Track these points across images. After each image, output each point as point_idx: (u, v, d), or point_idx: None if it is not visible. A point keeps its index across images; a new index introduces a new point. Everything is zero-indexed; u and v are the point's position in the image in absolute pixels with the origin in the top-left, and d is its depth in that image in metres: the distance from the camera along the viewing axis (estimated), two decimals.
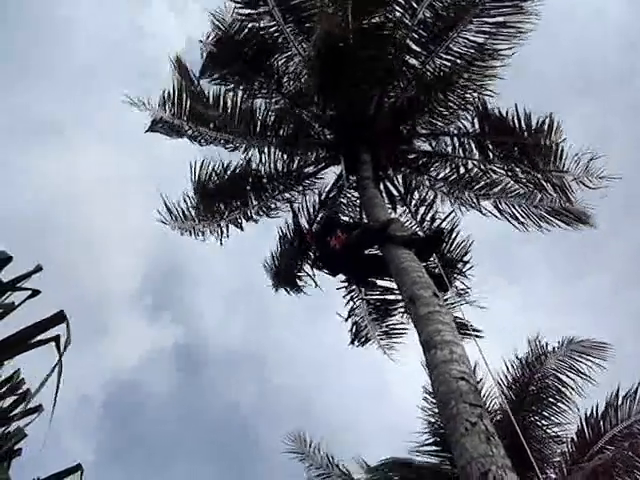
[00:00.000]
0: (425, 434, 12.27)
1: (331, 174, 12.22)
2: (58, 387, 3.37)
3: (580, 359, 11.51)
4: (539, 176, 10.91)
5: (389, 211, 11.45)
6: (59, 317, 3.83)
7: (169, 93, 11.76)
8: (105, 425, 28.38)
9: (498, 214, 11.70)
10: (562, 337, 11.94)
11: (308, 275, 12.09)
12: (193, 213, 11.84)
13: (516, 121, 10.80)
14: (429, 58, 11.53)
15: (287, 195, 12.22)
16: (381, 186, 11.97)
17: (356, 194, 12.09)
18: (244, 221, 12.05)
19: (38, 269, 3.87)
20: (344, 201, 12.52)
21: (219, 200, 11.82)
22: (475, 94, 11.64)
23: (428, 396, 12.49)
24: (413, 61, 11.66)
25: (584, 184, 10.71)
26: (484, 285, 11.81)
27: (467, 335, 10.99)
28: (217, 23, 11.67)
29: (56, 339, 3.58)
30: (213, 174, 11.83)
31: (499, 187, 11.60)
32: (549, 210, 11.35)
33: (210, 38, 11.63)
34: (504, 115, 10.91)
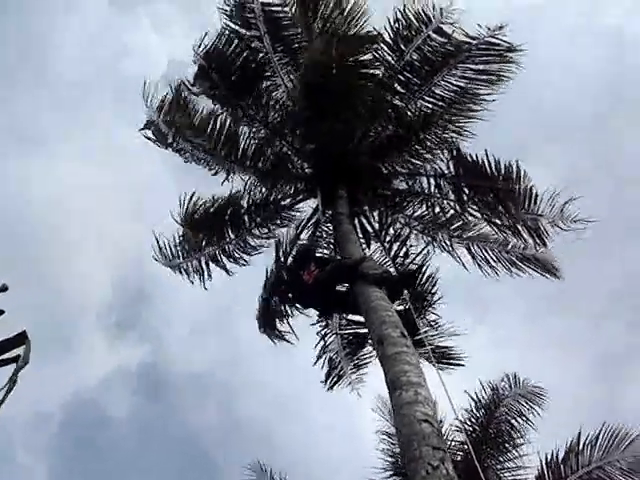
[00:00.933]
0: (388, 471, 12.36)
1: (308, 208, 12.36)
2: (2, 401, 3.41)
3: (525, 404, 11.67)
4: (514, 220, 11.08)
5: (363, 247, 11.58)
6: (21, 337, 3.85)
7: (164, 99, 12.03)
8: (62, 445, 27.94)
9: (470, 257, 11.84)
10: (508, 376, 12.09)
11: (285, 317, 12.09)
12: (179, 249, 11.94)
13: (487, 166, 11.02)
14: (412, 99, 11.75)
15: (264, 229, 12.25)
16: (356, 221, 12.08)
17: (331, 228, 12.21)
18: (223, 258, 12.09)
19: (3, 289, 3.89)
20: (320, 234, 12.61)
21: (200, 232, 11.86)
22: (453, 135, 11.87)
23: (387, 437, 12.61)
24: (396, 101, 11.87)
25: (559, 227, 10.91)
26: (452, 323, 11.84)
27: (449, 364, 11.20)
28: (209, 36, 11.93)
29: (16, 359, 3.60)
30: (197, 207, 11.90)
31: (472, 231, 11.79)
32: (520, 257, 11.54)
33: (201, 49, 11.81)
34: (476, 159, 11.13)
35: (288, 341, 12.30)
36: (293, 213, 12.48)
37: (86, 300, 28.68)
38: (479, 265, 11.92)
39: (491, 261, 11.79)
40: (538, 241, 11.13)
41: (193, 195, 11.90)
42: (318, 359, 12.19)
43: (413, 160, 12.05)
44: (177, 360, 28.19)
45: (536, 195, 10.90)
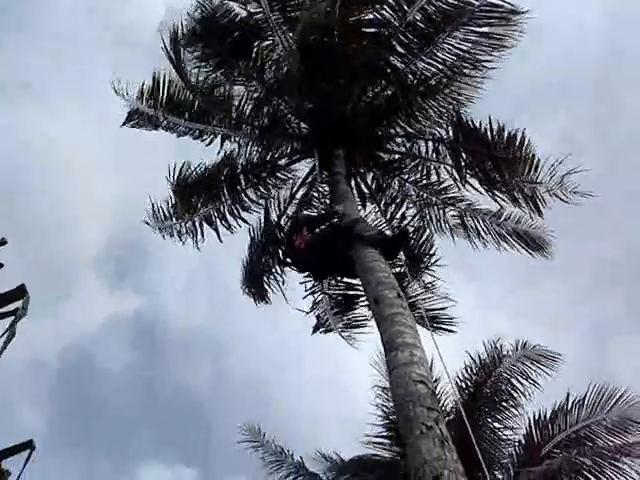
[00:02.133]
0: (379, 427, 12.50)
1: (303, 170, 12.32)
2: (1, 351, 3.43)
3: (531, 366, 11.77)
4: (511, 187, 11.02)
5: (358, 208, 11.56)
6: (20, 291, 3.88)
7: (147, 86, 11.85)
8: (59, 394, 28.17)
9: (462, 227, 11.81)
10: (516, 340, 12.19)
11: (275, 277, 12.08)
12: (171, 212, 11.84)
13: (489, 133, 10.90)
14: (412, 61, 11.60)
15: (260, 189, 12.16)
16: (352, 183, 12.02)
17: (327, 189, 12.17)
18: (218, 221, 12.01)
19: (2, 243, 3.90)
20: (315, 195, 12.57)
21: (194, 195, 11.76)
22: (453, 101, 11.75)
23: (382, 392, 12.70)
24: (396, 62, 11.71)
25: (557, 197, 10.86)
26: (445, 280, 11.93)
27: (440, 328, 11.26)
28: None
29: (15, 312, 3.62)
30: (191, 171, 11.84)
31: (466, 201, 11.77)
32: (511, 231, 11.54)
33: (195, 12, 11.56)
34: (477, 126, 11.00)
35: (269, 302, 12.36)
36: (289, 174, 12.40)
37: (83, 251, 28.60)
38: (469, 236, 11.93)
39: (482, 232, 11.77)
40: (534, 209, 11.09)
41: (184, 164, 11.82)
42: (307, 313, 12.32)
43: (412, 124, 11.92)
44: (171, 313, 28.22)
45: (537, 163, 10.81)
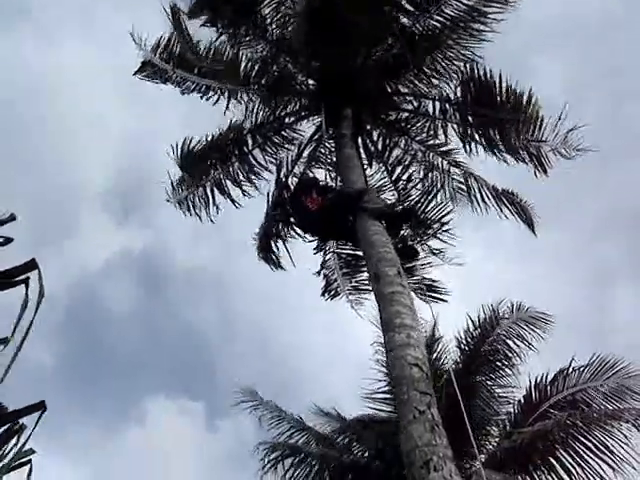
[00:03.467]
0: (379, 382, 12.88)
1: (310, 130, 12.43)
2: (28, 331, 3.57)
3: (526, 328, 12.10)
4: (516, 148, 11.13)
5: (365, 168, 11.73)
6: (31, 265, 3.96)
7: (164, 39, 11.88)
8: (67, 328, 28.74)
9: (465, 189, 12.00)
10: (512, 303, 12.48)
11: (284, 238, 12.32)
12: (181, 184, 12.02)
13: (497, 91, 10.92)
14: (420, 18, 11.55)
15: (267, 150, 12.29)
16: (359, 141, 12.13)
17: (334, 149, 12.31)
18: (229, 184, 12.18)
19: (11, 219, 3.99)
20: (322, 151, 12.70)
21: (203, 163, 11.90)
22: (460, 57, 11.74)
23: (382, 348, 12.99)
24: (404, 19, 11.66)
25: (561, 155, 10.95)
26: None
27: (434, 298, 11.58)
28: None
29: (25, 281, 3.74)
30: (196, 143, 11.97)
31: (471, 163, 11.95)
32: (508, 202, 11.71)
33: None
34: (487, 80, 10.99)
35: (283, 268, 12.65)
36: (295, 134, 12.51)
37: (87, 186, 28.59)
38: (471, 199, 12.10)
39: (484, 196, 11.94)
40: (539, 168, 11.19)
41: (187, 139, 11.93)
42: (317, 273, 12.57)
43: (419, 81, 11.95)
44: (178, 250, 28.41)
45: (542, 122, 10.85)
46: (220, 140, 12.00)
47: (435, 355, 12.51)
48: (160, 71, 11.94)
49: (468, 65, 11.51)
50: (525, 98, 10.82)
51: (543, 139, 11.17)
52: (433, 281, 11.74)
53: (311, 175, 11.83)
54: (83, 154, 27.63)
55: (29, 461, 3.43)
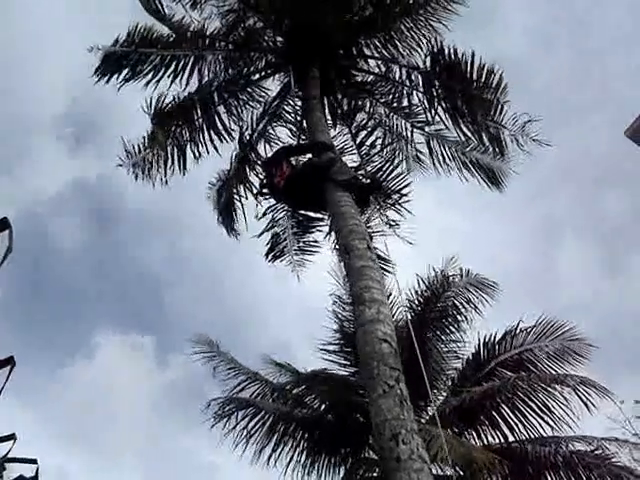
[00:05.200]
0: (334, 334, 13.38)
1: (275, 90, 12.57)
2: None
3: (474, 293, 12.74)
4: (478, 125, 11.46)
5: (330, 131, 11.92)
6: (2, 223, 4.12)
7: (122, 36, 11.78)
8: (15, 261, 28.26)
9: (427, 151, 12.36)
10: (460, 269, 13.09)
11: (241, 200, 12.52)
12: (145, 144, 11.89)
13: (467, 68, 11.19)
14: None
15: (232, 109, 12.34)
16: (325, 101, 12.30)
17: (299, 104, 12.49)
18: (189, 144, 12.19)
19: None
20: (287, 109, 12.85)
21: (171, 122, 11.88)
22: (430, 27, 11.96)
23: (338, 300, 13.45)
24: None
25: (518, 142, 11.37)
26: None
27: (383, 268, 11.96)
28: None
29: None
30: (167, 102, 11.90)
31: (434, 127, 12.21)
32: (474, 161, 12.08)
33: None
34: (458, 57, 11.23)
35: (237, 233, 12.94)
36: (261, 91, 12.55)
37: (41, 111, 27.79)
38: (434, 162, 12.45)
39: (447, 159, 12.31)
40: (497, 150, 11.57)
41: (160, 96, 11.85)
42: (264, 231, 12.70)
43: (388, 46, 12.16)
44: (129, 192, 28.03)
45: (502, 106, 11.21)
46: (186, 100, 11.98)
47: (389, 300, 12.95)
48: (121, 57, 11.76)
49: (439, 39, 11.75)
50: (496, 79, 11.09)
51: (503, 124, 11.55)
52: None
53: (284, 144, 11.98)
54: (35, 80, 26.85)
55: None
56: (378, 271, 7.58)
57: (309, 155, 10.06)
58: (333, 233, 9.05)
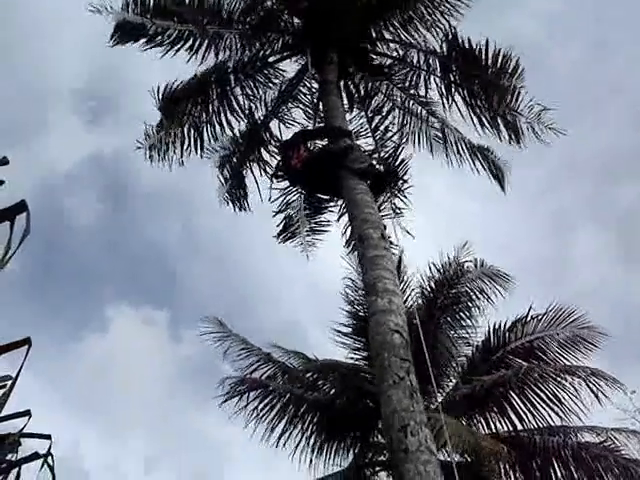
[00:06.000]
0: (345, 316, 13.52)
1: (292, 70, 12.63)
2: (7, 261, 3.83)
3: (488, 283, 12.81)
4: (494, 112, 11.45)
5: (346, 111, 11.96)
6: (20, 206, 4.17)
7: None
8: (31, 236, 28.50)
9: (442, 140, 12.40)
10: (475, 259, 13.21)
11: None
12: (156, 128, 11.99)
13: (483, 55, 11.15)
14: None
15: (247, 90, 12.39)
16: (341, 84, 12.33)
17: (315, 86, 12.53)
18: (205, 125, 12.26)
19: (4, 162, 4.24)
20: (303, 90, 12.89)
21: (182, 103, 11.95)
22: (449, 8, 11.90)
23: (351, 284, 13.56)
24: None
25: (534, 130, 11.36)
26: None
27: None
28: None
29: (12, 218, 3.97)
30: (178, 84, 11.90)
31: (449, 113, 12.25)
32: (482, 157, 12.14)
33: None
34: (472, 47, 11.19)
35: (249, 209, 13.04)
36: (278, 73, 12.59)
37: (59, 84, 27.83)
38: (447, 150, 12.50)
39: (460, 148, 12.36)
40: (513, 137, 11.53)
41: (170, 83, 11.87)
42: (277, 213, 12.75)
43: (405, 30, 12.12)
44: (145, 167, 28.09)
45: (519, 93, 11.19)
46: (202, 79, 12.03)
47: (401, 286, 13.07)
48: (136, 28, 11.71)
49: (454, 24, 11.71)
50: (512, 64, 11.02)
51: (519, 111, 11.53)
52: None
53: (300, 125, 12.08)
54: (53, 48, 26.86)
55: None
56: (391, 260, 7.68)
57: (325, 140, 10.11)
58: (346, 218, 9.05)
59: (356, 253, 8.09)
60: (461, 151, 12.38)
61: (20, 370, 3.91)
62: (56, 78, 28.00)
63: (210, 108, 12.18)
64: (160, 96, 11.57)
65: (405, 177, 11.91)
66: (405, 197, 11.99)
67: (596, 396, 10.34)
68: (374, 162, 10.79)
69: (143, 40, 11.88)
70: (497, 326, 12.72)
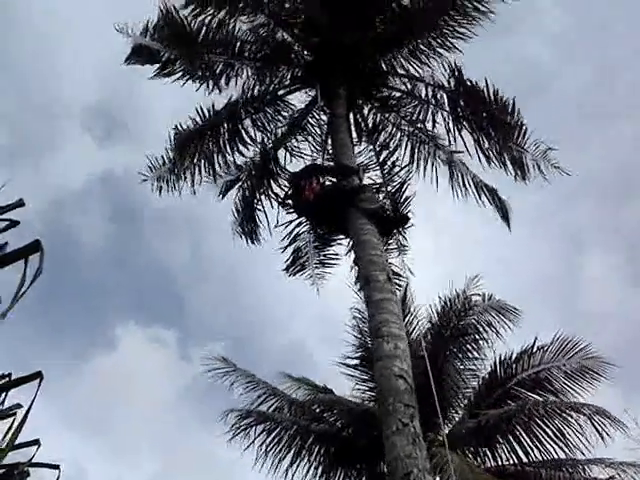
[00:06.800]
0: (353, 347, 13.74)
1: (301, 102, 12.91)
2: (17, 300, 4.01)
3: (496, 317, 13.02)
4: (501, 147, 11.70)
5: (355, 144, 12.22)
6: (34, 246, 4.35)
7: (152, 21, 12.05)
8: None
9: (448, 174, 12.67)
10: (483, 293, 13.48)
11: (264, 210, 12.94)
12: (169, 160, 12.44)
13: (486, 92, 11.43)
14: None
15: (257, 122, 12.70)
16: (350, 116, 12.61)
17: (326, 127, 12.81)
18: (216, 155, 12.61)
19: (20, 204, 4.43)
20: (312, 122, 13.17)
21: (194, 142, 12.35)
22: (456, 36, 12.13)
23: (358, 314, 13.76)
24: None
25: (539, 168, 11.61)
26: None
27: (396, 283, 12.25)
28: None
29: (25, 257, 4.16)
30: (189, 125, 12.35)
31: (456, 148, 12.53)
32: (488, 194, 12.43)
33: None
34: (476, 84, 11.50)
35: (259, 242, 13.33)
36: (287, 106, 12.89)
37: (75, 99, 28.24)
38: (453, 185, 12.69)
39: (467, 183, 12.58)
40: (519, 173, 11.77)
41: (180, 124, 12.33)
42: (287, 247, 12.91)
43: (414, 63, 12.39)
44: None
45: (525, 131, 11.46)
46: (214, 118, 12.39)
47: (407, 319, 13.29)
48: (152, 53, 12.14)
49: (458, 61, 11.96)
50: (510, 104, 11.33)
51: (525, 147, 11.76)
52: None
53: (315, 161, 12.41)
54: (68, 69, 27.28)
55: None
56: (397, 303, 7.94)
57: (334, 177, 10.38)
58: (353, 254, 9.30)
59: (362, 293, 8.31)
60: (467, 185, 12.60)
61: (31, 405, 4.09)
62: (68, 95, 28.45)
63: (221, 141, 12.51)
64: (173, 142, 11.98)
65: (410, 215, 12.08)
66: (406, 234, 12.21)
67: (600, 435, 10.54)
68: (383, 203, 11.07)
69: (157, 66, 12.31)
70: (503, 357, 12.96)
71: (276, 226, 12.65)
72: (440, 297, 13.37)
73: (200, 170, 12.58)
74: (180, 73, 12.31)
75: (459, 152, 12.41)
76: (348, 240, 10.96)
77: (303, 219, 11.70)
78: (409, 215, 11.06)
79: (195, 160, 12.36)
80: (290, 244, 12.80)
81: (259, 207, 12.95)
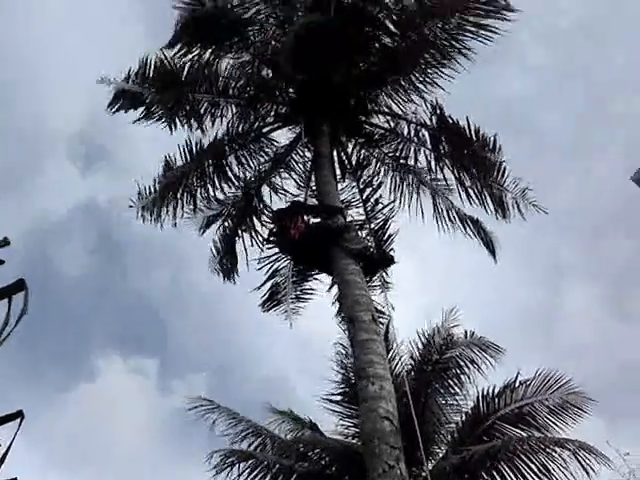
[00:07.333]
0: (336, 383, 13.78)
1: (285, 137, 13.21)
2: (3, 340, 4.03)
3: (478, 354, 13.15)
4: (482, 185, 11.96)
5: (339, 190, 12.40)
6: (18, 286, 4.40)
7: (134, 69, 12.33)
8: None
9: (432, 207, 12.94)
10: (465, 330, 13.64)
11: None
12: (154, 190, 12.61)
13: (468, 130, 11.73)
14: (402, 40, 12.21)
15: (241, 159, 12.90)
16: (334, 153, 12.81)
17: (308, 155, 13.03)
18: (199, 190, 12.87)
19: (5, 243, 4.49)
20: (296, 159, 13.38)
21: (177, 182, 12.58)
22: (439, 75, 12.38)
23: (342, 349, 13.83)
24: (386, 39, 12.30)
25: (518, 207, 11.92)
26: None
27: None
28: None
29: (9, 297, 4.20)
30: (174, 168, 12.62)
31: (440, 182, 12.79)
32: (473, 226, 12.68)
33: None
34: (457, 122, 11.83)
35: (236, 278, 13.50)
36: (271, 143, 13.15)
37: (59, 126, 28.31)
38: (437, 217, 12.99)
39: (451, 217, 12.85)
40: (500, 211, 12.08)
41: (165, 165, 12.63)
42: (265, 282, 13.14)
43: (396, 101, 12.65)
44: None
45: (504, 170, 11.78)
46: (198, 155, 12.59)
47: (389, 355, 13.36)
48: (134, 97, 12.39)
49: (440, 100, 12.22)
50: (491, 142, 11.66)
51: (505, 186, 12.10)
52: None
53: (298, 198, 12.58)
54: (52, 98, 27.38)
55: None
56: (381, 344, 8.05)
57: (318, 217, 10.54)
58: (337, 292, 9.44)
59: (347, 332, 8.43)
60: (452, 219, 12.82)
61: (11, 444, 4.10)
62: (52, 123, 28.52)
63: (204, 178, 12.68)
64: (156, 185, 12.16)
65: (393, 255, 12.24)
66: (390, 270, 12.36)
67: (585, 470, 10.63)
68: (367, 242, 11.22)
69: (141, 110, 12.52)
70: (486, 392, 13.05)
71: (258, 268, 12.86)
72: (418, 332, 13.51)
73: (182, 204, 12.79)
74: (164, 117, 12.52)
75: (443, 186, 12.63)
76: (330, 277, 11.11)
77: (283, 255, 11.83)
78: (393, 255, 11.20)
79: (178, 195, 12.51)
80: (269, 279, 13.04)
81: (239, 243, 13.11)
